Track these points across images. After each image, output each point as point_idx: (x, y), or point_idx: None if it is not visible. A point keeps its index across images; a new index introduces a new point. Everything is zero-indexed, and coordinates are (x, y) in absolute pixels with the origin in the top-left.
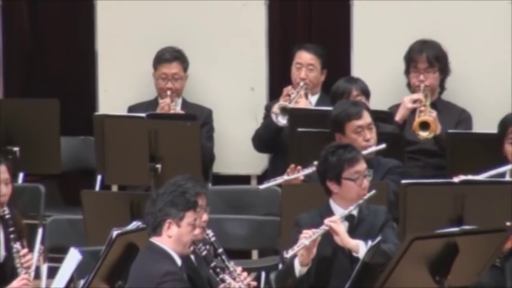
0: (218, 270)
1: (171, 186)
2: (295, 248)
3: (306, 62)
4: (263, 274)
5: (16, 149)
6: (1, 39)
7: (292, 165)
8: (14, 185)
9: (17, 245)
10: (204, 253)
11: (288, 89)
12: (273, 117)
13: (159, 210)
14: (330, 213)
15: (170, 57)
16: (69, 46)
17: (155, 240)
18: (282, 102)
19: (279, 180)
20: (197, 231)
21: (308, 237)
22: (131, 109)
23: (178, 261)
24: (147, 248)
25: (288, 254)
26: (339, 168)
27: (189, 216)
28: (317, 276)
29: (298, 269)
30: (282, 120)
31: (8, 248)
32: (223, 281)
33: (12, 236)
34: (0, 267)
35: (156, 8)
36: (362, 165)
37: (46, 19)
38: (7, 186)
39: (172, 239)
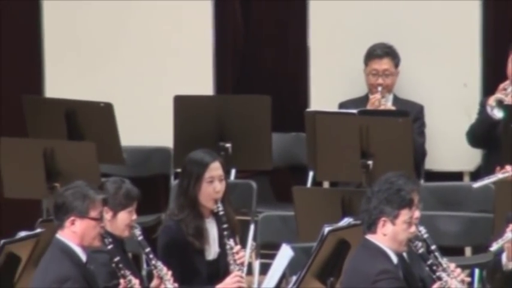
0: (434, 267)
1: (385, 184)
2: (500, 241)
3: None
4: (476, 271)
5: (228, 145)
6: (214, 37)
7: (509, 167)
8: (227, 182)
9: (230, 242)
10: (420, 251)
11: (504, 84)
12: (488, 109)
13: (373, 207)
14: None
15: (381, 53)
16: (281, 43)
17: (370, 237)
18: (499, 95)
19: (493, 178)
20: (413, 228)
21: None
22: (342, 105)
23: (395, 259)
24: (363, 245)
25: (493, 248)
26: None
27: (404, 214)
28: None
29: (505, 263)
30: (497, 114)
31: (222, 244)
32: (439, 278)
33: (225, 232)
34: (213, 263)
35: (368, 4)
36: None
37: (259, 16)
38: (221, 182)
39: (388, 237)
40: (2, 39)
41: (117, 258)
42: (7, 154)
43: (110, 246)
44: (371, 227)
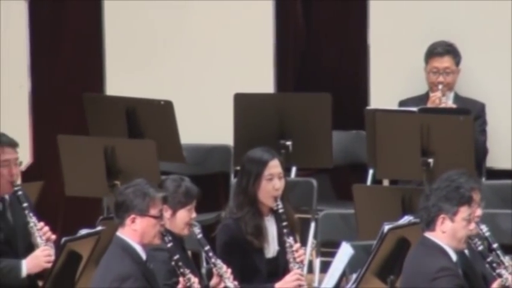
0: (494, 265)
1: (444, 181)
2: None
3: None
4: None
5: (289, 143)
6: (275, 36)
7: None
8: (286, 179)
9: (289, 240)
10: (479, 248)
11: None
12: None
13: (432, 205)
14: None
15: (442, 51)
16: (341, 41)
17: (429, 235)
18: None
19: None
20: (472, 226)
21: None
22: (402, 104)
23: (453, 257)
24: (421, 243)
25: None
26: None
27: (463, 211)
28: None
29: None
30: None
31: (281, 242)
32: (500, 276)
33: (285, 230)
34: (273, 261)
35: (428, 3)
36: None
37: (319, 15)
38: (280, 180)
39: (447, 234)
40: (64, 38)
41: (176, 256)
42: (68, 152)
43: (169, 244)
44: (430, 225)
